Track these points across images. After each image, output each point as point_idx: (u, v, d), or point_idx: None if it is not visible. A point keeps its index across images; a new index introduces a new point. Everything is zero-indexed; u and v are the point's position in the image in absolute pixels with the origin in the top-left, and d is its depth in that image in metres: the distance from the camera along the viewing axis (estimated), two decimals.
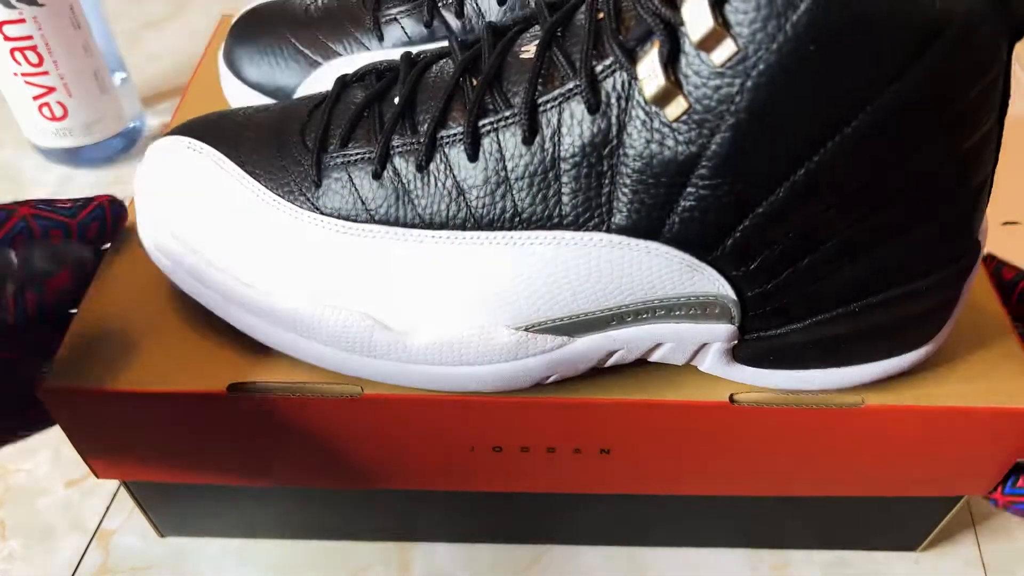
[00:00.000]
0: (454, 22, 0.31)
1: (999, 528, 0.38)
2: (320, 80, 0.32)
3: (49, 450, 0.39)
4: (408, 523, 0.36)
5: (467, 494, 0.33)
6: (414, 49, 0.28)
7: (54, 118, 0.49)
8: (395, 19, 0.32)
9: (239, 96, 0.34)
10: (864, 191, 0.21)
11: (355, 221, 0.25)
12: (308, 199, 0.25)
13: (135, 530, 0.36)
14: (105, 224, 0.30)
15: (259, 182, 0.26)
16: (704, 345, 0.26)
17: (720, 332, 0.25)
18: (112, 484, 0.38)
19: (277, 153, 0.26)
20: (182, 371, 0.27)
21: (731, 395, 0.27)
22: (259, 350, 0.28)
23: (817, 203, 0.21)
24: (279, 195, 0.25)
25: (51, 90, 0.47)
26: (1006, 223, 0.47)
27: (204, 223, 0.26)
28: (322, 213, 0.25)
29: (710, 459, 0.29)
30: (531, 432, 0.28)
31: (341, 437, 0.29)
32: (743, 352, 0.26)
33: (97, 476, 0.31)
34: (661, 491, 0.31)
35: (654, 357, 0.27)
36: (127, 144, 0.54)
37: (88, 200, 0.30)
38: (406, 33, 0.32)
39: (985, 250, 0.26)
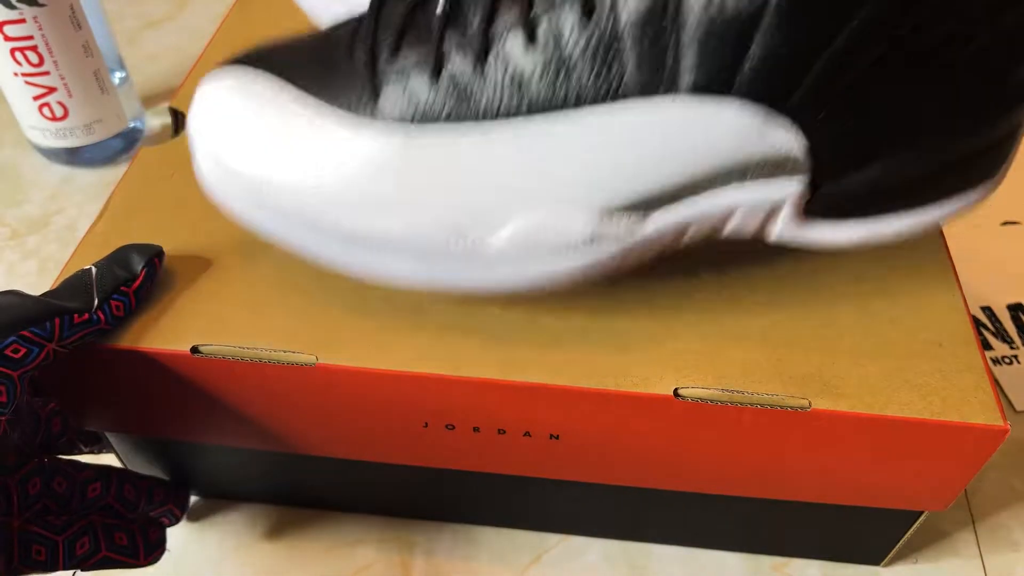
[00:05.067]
0: None
1: (999, 528, 0.37)
2: None
3: None
4: (369, 495, 0.37)
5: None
6: None
7: (54, 118, 0.49)
8: None
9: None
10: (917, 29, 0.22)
11: (419, 123, 0.25)
12: (369, 110, 0.25)
13: None
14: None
15: (319, 98, 0.26)
16: (775, 209, 0.26)
17: (793, 188, 0.26)
18: None
19: (331, 71, 0.26)
20: (153, 331, 0.29)
21: (675, 389, 0.27)
22: (228, 315, 0.29)
23: (877, 46, 0.22)
24: (339, 107, 0.26)
25: (51, 90, 0.47)
26: (1006, 223, 0.47)
27: (270, 147, 0.26)
28: (384, 120, 0.25)
29: (657, 452, 0.30)
30: (482, 412, 0.29)
31: (297, 405, 0.30)
32: (816, 206, 0.26)
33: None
34: (612, 481, 0.32)
35: (726, 230, 0.27)
36: (127, 144, 0.54)
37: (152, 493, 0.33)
38: None
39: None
